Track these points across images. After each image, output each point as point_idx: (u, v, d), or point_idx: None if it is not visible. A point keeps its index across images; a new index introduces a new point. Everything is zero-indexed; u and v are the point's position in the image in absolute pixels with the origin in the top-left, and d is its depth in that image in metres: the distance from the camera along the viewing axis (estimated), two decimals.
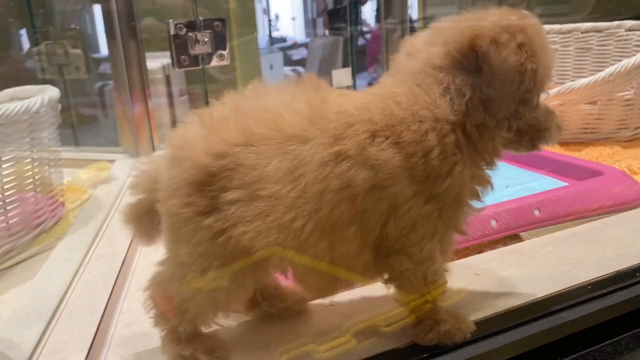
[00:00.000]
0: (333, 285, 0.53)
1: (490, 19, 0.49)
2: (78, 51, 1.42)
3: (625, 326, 0.61)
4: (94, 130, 1.73)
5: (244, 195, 0.46)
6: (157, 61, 1.56)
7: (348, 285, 0.57)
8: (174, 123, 1.67)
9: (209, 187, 0.47)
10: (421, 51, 0.51)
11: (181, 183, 0.47)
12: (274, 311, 0.60)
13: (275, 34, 5.71)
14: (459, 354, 0.53)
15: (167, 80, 1.67)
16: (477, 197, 0.53)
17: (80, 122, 1.67)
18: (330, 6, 3.69)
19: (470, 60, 0.48)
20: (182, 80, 1.76)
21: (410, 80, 0.49)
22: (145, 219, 0.55)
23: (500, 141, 0.51)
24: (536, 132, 0.53)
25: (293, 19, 5.68)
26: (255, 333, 0.58)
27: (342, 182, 0.45)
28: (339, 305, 0.62)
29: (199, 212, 0.47)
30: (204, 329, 0.56)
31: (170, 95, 1.68)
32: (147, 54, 1.39)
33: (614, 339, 0.59)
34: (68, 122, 1.59)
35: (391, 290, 0.55)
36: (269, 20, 5.59)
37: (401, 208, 0.48)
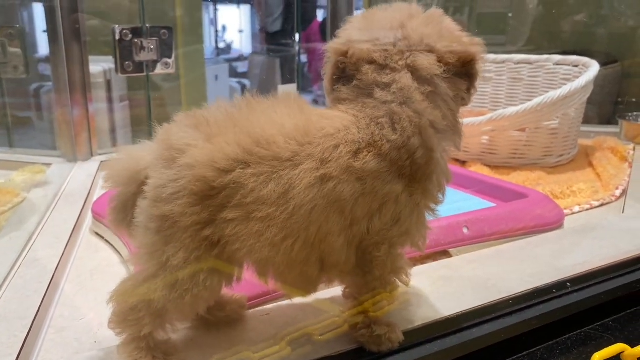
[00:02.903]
0: (315, 286, 0.56)
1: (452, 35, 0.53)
2: (17, 50, 1.38)
3: (541, 339, 0.65)
4: (28, 132, 1.68)
5: (241, 215, 0.48)
6: (98, 65, 1.53)
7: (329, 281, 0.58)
8: (113, 129, 1.64)
9: (210, 200, 0.48)
10: (397, 61, 0.51)
11: (182, 191, 0.48)
12: (212, 319, 0.61)
13: (221, 46, 5.68)
14: (411, 353, 0.56)
15: (108, 86, 1.64)
16: (443, 188, 0.56)
17: (14, 123, 1.62)
18: (272, 27, 3.67)
19: (466, 72, 0.53)
20: (123, 86, 1.73)
21: (392, 101, 0.51)
22: (122, 215, 0.54)
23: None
24: None
25: (240, 31, 5.68)
26: (192, 340, 0.58)
27: (329, 200, 0.49)
28: (275, 315, 0.64)
29: (198, 222, 0.48)
30: (160, 335, 0.55)
31: (110, 101, 1.65)
32: (89, 58, 1.36)
33: (530, 350, 0.63)
34: (2, 123, 1.54)
35: (332, 293, 0.57)
36: (216, 32, 5.57)
37: (389, 204, 0.51)
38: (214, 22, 5.46)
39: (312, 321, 0.61)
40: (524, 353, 0.63)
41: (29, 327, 0.61)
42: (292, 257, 0.50)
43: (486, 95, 1.64)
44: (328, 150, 0.49)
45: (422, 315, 0.63)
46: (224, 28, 5.66)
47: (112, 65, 1.49)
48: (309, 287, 0.56)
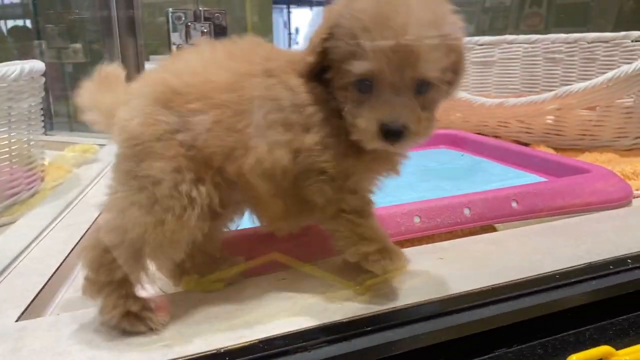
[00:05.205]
0: (290, 214, 0.56)
1: None
2: (78, 45, 1.44)
3: (591, 318, 0.57)
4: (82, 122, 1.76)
5: (202, 105, 0.50)
6: (153, 64, 1.58)
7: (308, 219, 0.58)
8: None
9: (173, 102, 0.50)
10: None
11: (145, 101, 0.51)
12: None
13: (295, 47, 5.73)
14: (433, 323, 0.52)
15: None
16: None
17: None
18: None
19: None
20: None
21: None
22: None
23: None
24: None
25: None
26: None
27: (270, 93, 0.52)
28: (290, 280, 0.60)
29: (171, 130, 0.50)
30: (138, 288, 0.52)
31: None
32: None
33: (578, 329, 0.56)
34: (64, 111, 1.62)
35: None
36: (289, 34, 5.63)
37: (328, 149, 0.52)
38: (287, 24, 5.53)
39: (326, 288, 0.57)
40: (571, 332, 0.55)
41: (44, 283, 0.61)
42: (245, 140, 0.51)
43: (556, 77, 1.53)
44: (271, 53, 0.55)
45: (457, 287, 0.57)
46: (297, 30, 5.72)
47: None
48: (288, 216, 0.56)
